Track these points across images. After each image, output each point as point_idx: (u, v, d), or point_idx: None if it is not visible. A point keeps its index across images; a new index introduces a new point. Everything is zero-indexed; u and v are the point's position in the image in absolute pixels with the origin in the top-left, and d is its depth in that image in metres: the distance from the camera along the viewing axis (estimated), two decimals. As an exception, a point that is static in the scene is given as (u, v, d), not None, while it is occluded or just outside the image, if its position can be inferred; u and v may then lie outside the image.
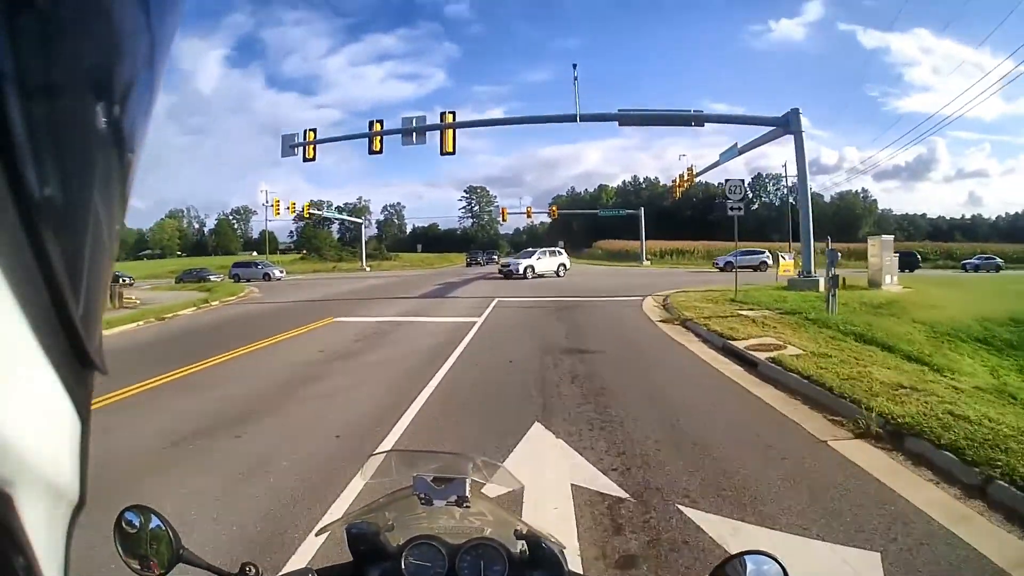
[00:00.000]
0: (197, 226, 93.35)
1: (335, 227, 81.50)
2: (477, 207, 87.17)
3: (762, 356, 7.18)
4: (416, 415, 5.28)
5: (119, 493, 2.69)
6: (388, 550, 1.04)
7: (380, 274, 31.15)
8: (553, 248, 30.57)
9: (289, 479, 3.84)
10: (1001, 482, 3.32)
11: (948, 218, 75.41)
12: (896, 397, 5.05)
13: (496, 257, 46.22)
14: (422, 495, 1.01)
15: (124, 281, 28.64)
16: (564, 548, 1.04)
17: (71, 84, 0.28)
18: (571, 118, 18.69)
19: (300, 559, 2.76)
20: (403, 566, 1.01)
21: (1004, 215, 72.71)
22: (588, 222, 65.03)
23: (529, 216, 54.01)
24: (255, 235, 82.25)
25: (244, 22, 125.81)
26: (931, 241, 54.93)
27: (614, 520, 3.16)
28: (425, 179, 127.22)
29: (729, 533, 2.93)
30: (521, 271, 25.87)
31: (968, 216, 76.57)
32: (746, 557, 0.86)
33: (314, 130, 20.71)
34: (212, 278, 32.95)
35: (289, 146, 20.46)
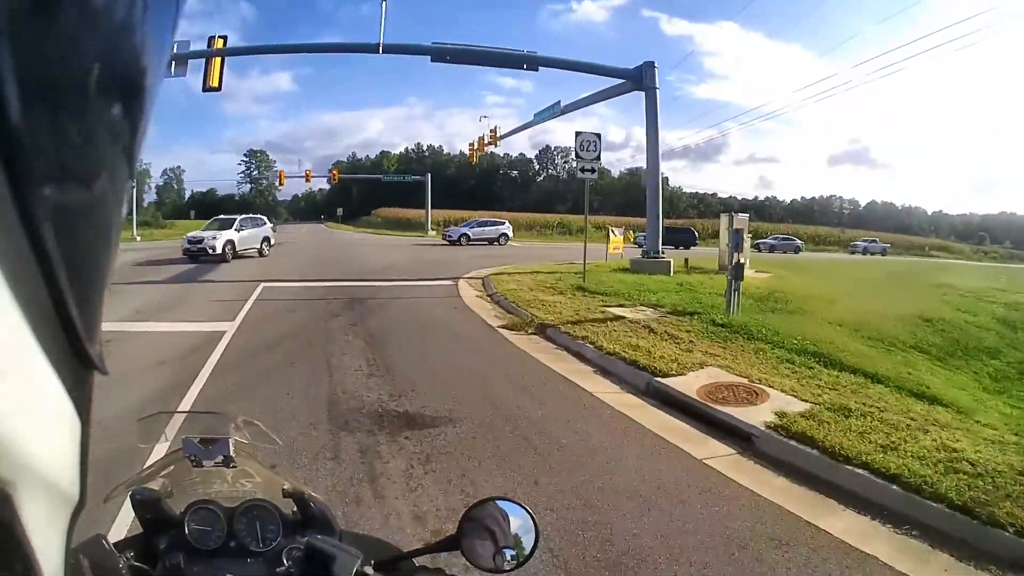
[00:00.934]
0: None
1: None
2: (256, 172, 78.98)
3: (755, 422, 3.86)
4: None
5: None
6: (172, 517, 1.02)
7: (145, 245, 24.72)
8: (256, 216, 20.97)
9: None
10: None
11: (740, 198, 75.75)
12: None
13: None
14: (192, 456, 0.99)
15: None
16: (328, 507, 1.03)
17: (71, 83, 0.28)
18: (374, 48, 15.47)
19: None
20: (187, 532, 1.00)
21: (801, 199, 78.06)
22: (370, 188, 60.44)
23: (308, 180, 48.54)
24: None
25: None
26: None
27: None
28: (209, 146, 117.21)
29: None
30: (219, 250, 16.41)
31: (762, 197, 79.78)
32: (498, 502, 0.92)
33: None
34: None
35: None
